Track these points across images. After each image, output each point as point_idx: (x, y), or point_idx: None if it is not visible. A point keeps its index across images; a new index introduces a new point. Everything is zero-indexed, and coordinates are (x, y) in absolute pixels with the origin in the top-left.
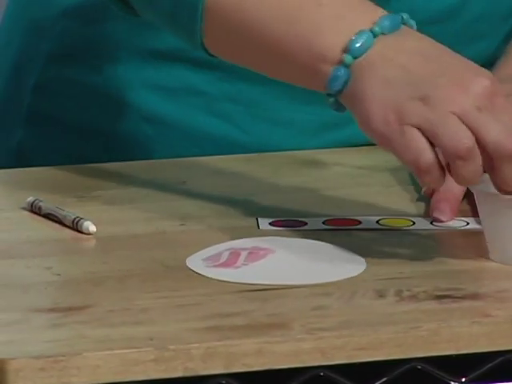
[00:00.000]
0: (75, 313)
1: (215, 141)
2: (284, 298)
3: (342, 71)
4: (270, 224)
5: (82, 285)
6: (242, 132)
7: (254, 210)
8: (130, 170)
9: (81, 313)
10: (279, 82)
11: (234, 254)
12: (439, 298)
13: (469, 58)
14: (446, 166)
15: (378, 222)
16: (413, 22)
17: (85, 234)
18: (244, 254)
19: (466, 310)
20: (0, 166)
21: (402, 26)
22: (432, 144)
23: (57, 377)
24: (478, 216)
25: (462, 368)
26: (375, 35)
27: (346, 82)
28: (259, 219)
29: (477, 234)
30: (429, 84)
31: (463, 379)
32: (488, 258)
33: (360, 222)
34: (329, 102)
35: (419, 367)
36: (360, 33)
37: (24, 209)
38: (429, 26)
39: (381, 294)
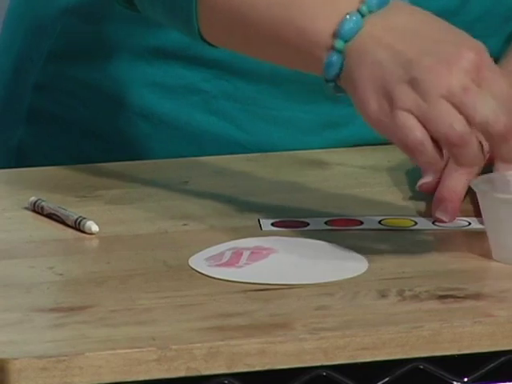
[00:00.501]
0: (78, 313)
1: (214, 139)
2: (286, 297)
3: (335, 57)
4: (272, 225)
5: (84, 285)
6: (240, 130)
7: (256, 210)
8: (132, 170)
9: (83, 313)
10: (276, 81)
11: (237, 254)
12: (441, 297)
13: None
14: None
15: (380, 222)
16: None
17: (87, 233)
18: (246, 253)
19: (468, 309)
20: (0, 166)
21: (392, 1)
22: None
23: (59, 377)
24: (481, 216)
25: (465, 368)
26: (363, 15)
27: (341, 67)
28: (261, 220)
29: (479, 234)
30: (415, 65)
31: (465, 379)
32: (490, 258)
33: (362, 223)
34: (328, 88)
35: (421, 367)
36: (348, 15)
37: (26, 209)
38: None
39: (383, 294)
